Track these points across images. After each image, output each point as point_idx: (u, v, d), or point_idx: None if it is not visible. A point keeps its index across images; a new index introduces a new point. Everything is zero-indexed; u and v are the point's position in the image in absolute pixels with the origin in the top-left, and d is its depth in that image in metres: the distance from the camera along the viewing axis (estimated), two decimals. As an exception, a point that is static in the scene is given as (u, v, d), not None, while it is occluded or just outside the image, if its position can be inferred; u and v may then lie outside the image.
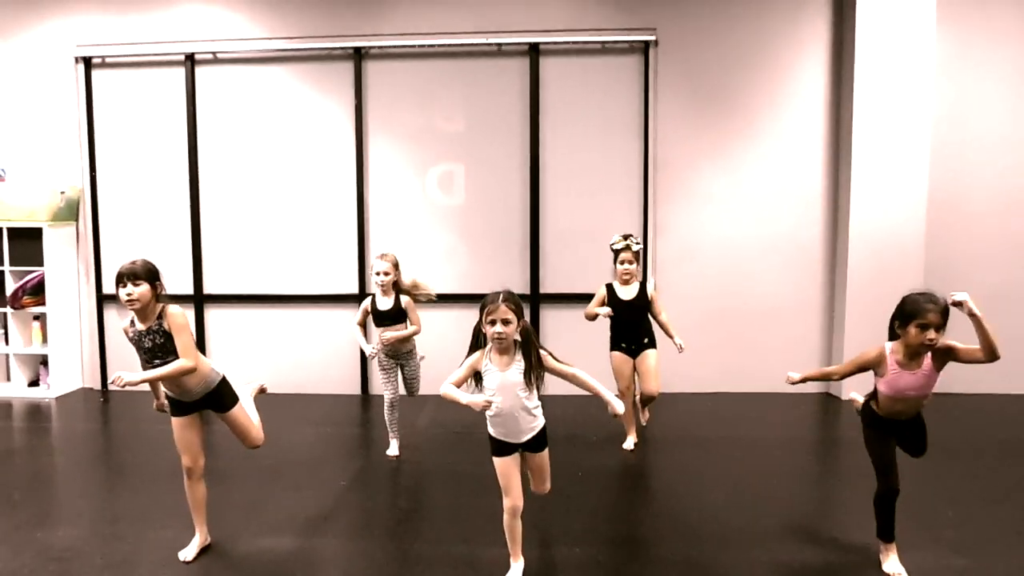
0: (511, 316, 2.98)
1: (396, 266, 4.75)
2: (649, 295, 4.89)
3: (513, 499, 3.13)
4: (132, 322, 3.24)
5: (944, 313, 2.98)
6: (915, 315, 3.00)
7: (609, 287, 4.93)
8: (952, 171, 6.18)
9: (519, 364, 3.04)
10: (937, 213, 6.13)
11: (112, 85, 6.60)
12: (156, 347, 3.19)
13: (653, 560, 3.39)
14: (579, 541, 3.60)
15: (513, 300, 3.01)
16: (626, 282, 4.88)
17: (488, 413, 3.07)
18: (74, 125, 6.61)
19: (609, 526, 3.82)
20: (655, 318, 4.91)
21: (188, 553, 3.41)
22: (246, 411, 3.56)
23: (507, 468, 3.13)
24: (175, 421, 3.37)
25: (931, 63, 5.89)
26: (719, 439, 5.15)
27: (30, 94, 6.63)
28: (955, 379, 6.09)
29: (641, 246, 4.90)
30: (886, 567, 3.20)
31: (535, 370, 3.03)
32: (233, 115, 6.54)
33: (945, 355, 3.04)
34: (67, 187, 6.52)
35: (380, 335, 4.79)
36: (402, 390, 4.99)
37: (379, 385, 5.29)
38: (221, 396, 3.41)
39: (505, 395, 3.03)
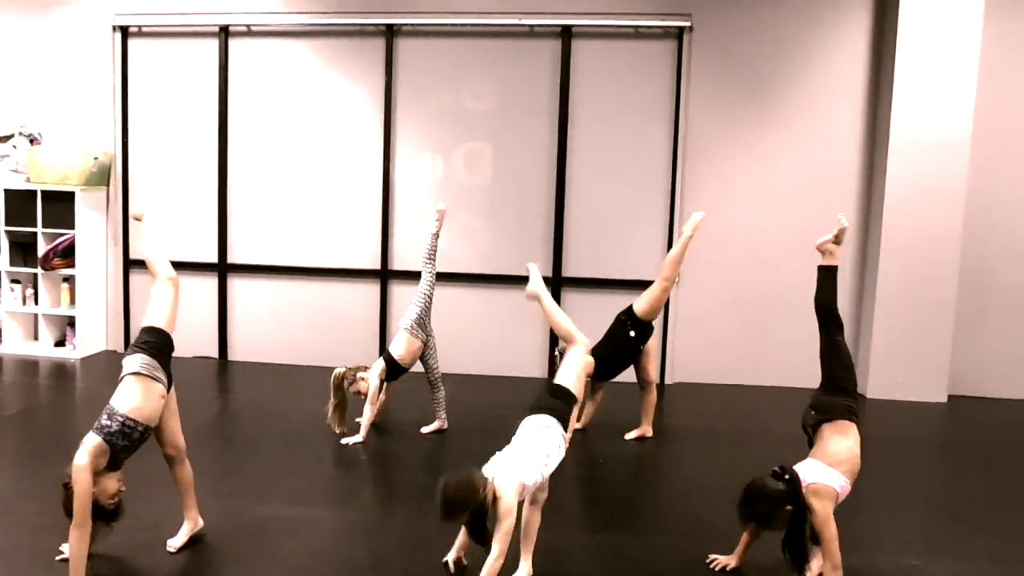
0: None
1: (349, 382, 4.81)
2: None
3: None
4: None
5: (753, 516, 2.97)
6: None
7: None
8: (991, 171, 6.06)
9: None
10: (974, 213, 6.03)
11: (148, 54, 6.64)
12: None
13: (666, 552, 3.41)
14: (592, 528, 3.63)
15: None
16: None
17: None
18: (109, 93, 6.67)
19: (623, 515, 3.84)
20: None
21: (176, 541, 3.23)
22: (158, 304, 3.25)
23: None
24: None
25: (974, 60, 5.76)
26: (739, 433, 5.13)
27: (67, 61, 6.70)
28: (984, 383, 6.07)
29: None
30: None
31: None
32: (264, 88, 6.57)
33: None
34: (99, 152, 6.59)
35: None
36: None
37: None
38: (164, 347, 3.15)
39: None
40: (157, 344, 3.14)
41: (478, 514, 2.80)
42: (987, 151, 6.03)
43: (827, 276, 3.34)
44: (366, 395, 4.72)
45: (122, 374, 3.07)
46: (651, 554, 3.36)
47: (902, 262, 5.90)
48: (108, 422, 2.94)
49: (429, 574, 3.11)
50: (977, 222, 6.07)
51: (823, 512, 2.87)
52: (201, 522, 3.34)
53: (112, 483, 2.92)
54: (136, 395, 2.99)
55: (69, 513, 2.84)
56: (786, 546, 2.97)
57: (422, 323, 4.84)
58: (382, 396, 4.86)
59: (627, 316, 4.83)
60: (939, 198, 5.84)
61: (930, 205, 5.85)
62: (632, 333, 4.79)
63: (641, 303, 4.79)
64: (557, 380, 3.30)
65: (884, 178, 5.92)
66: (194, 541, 3.28)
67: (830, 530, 2.87)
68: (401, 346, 4.80)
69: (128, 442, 2.95)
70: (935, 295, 5.86)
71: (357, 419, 4.78)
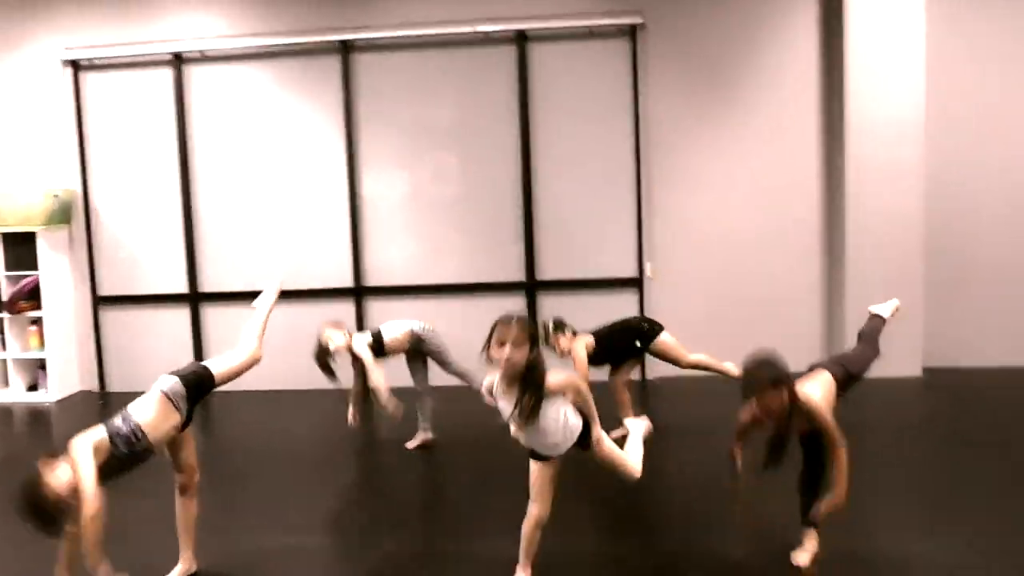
0: (522, 341, 2.66)
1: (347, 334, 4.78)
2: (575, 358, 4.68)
3: (541, 508, 2.91)
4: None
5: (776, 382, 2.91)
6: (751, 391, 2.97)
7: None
8: (949, 149, 6.16)
9: (509, 398, 2.75)
10: (936, 190, 6.11)
11: (101, 87, 6.56)
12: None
13: (663, 551, 3.44)
14: (593, 532, 3.64)
15: (527, 326, 2.69)
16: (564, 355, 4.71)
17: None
18: (65, 128, 6.57)
19: (614, 515, 3.86)
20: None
21: None
22: (223, 359, 3.28)
23: (540, 473, 2.91)
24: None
25: (922, 38, 5.87)
26: (724, 426, 5.12)
27: (20, 98, 6.59)
28: (961, 352, 6.17)
29: (552, 322, 4.76)
30: (795, 553, 3.15)
31: (524, 412, 2.70)
32: (223, 113, 6.51)
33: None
34: (60, 190, 6.49)
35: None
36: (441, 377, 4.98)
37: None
38: (197, 389, 3.08)
39: (514, 424, 2.80)
40: (196, 380, 3.10)
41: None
42: (943, 130, 6.12)
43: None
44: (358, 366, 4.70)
45: (152, 387, 3.02)
46: (653, 556, 3.38)
47: (869, 242, 5.99)
48: (120, 424, 2.88)
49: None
50: (941, 198, 6.15)
51: (819, 406, 2.97)
52: (195, 566, 3.28)
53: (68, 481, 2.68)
54: (154, 413, 2.93)
55: (43, 521, 2.67)
56: (802, 486, 3.12)
57: (427, 340, 4.83)
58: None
59: (642, 337, 4.86)
60: (900, 177, 5.94)
61: (892, 184, 5.94)
62: (638, 344, 4.86)
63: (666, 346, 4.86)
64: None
65: (844, 162, 6.01)
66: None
67: (831, 421, 2.95)
68: (397, 332, 4.79)
69: (128, 452, 2.85)
70: (904, 271, 5.95)
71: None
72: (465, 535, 3.64)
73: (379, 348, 4.75)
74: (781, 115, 6.28)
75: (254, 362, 3.32)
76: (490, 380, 2.84)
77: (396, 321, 4.93)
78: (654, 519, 3.81)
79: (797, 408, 2.92)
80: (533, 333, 2.72)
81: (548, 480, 2.90)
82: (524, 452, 2.94)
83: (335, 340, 4.71)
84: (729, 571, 3.21)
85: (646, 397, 5.90)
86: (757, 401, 2.93)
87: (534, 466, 2.92)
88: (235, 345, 3.39)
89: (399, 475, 4.57)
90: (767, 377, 2.91)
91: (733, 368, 4.70)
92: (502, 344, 2.65)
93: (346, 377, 4.81)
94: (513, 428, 2.82)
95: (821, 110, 6.26)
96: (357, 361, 4.72)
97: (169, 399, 2.98)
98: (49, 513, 2.66)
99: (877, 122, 5.92)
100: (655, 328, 4.91)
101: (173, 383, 3.03)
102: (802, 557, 3.13)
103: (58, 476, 2.68)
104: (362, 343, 4.70)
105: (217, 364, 3.24)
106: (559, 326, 4.74)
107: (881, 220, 5.95)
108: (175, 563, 3.26)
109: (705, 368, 4.90)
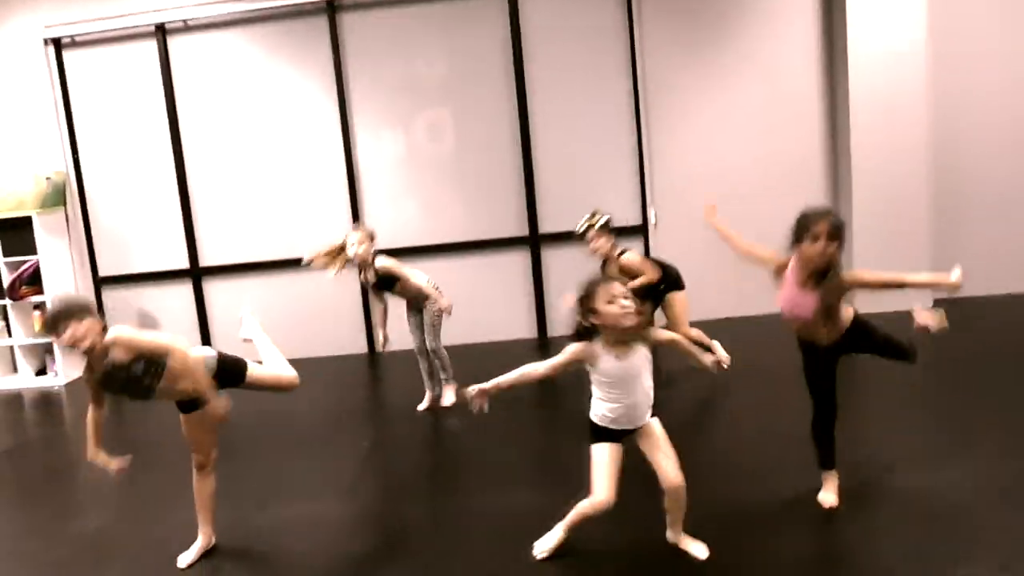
0: (630, 295, 2.58)
1: (371, 238, 4.64)
2: (624, 264, 4.69)
3: (607, 496, 2.68)
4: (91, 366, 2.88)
5: (838, 226, 2.81)
6: (807, 226, 2.85)
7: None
8: (953, 77, 6.03)
9: (643, 350, 2.68)
10: (942, 119, 6.00)
11: (85, 64, 6.43)
12: (132, 379, 2.88)
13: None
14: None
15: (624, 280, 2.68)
16: (602, 260, 4.75)
17: (604, 403, 2.70)
18: (51, 109, 6.45)
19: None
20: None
21: (187, 557, 3.14)
22: (262, 366, 3.32)
23: (611, 457, 2.71)
24: (183, 417, 3.12)
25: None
26: (735, 369, 5.10)
27: (2, 81, 6.46)
28: (969, 282, 6.07)
29: (605, 218, 4.72)
30: (821, 496, 3.10)
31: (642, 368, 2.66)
32: (211, 83, 6.38)
33: (840, 286, 2.87)
34: (51, 172, 6.40)
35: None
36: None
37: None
38: (227, 374, 3.09)
39: (626, 387, 2.67)
40: (232, 365, 3.12)
41: None
42: (945, 58, 5.99)
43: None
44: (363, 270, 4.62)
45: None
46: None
47: (874, 174, 5.88)
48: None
49: (446, 556, 3.08)
50: (946, 127, 6.05)
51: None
52: (214, 539, 3.26)
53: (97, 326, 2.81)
54: (181, 364, 2.88)
55: (57, 316, 2.80)
56: (816, 431, 3.08)
57: (431, 300, 4.69)
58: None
59: (668, 282, 4.84)
60: (903, 107, 5.81)
61: (895, 115, 5.82)
62: (661, 287, 4.82)
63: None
64: None
65: (847, 93, 5.87)
66: (205, 555, 3.23)
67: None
68: (418, 277, 4.65)
69: (137, 373, 2.85)
70: (910, 203, 5.85)
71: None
72: (482, 494, 3.60)
73: (389, 282, 4.65)
74: (781, 50, 6.11)
75: (291, 385, 3.33)
76: (578, 348, 2.68)
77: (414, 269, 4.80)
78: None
79: (836, 272, 2.82)
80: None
81: (615, 463, 2.71)
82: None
83: (355, 247, 4.55)
84: (752, 518, 3.17)
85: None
86: (812, 240, 2.79)
87: (601, 449, 2.72)
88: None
89: (412, 439, 4.53)
90: (832, 222, 2.79)
91: (710, 361, 4.71)
92: (611, 301, 2.56)
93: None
94: (609, 404, 2.69)
95: (821, 40, 6.09)
96: (375, 287, 4.67)
97: (202, 364, 2.99)
98: (64, 315, 2.78)
99: (878, 53, 5.77)
100: (680, 282, 4.90)
101: (211, 354, 3.08)
102: (829, 498, 3.08)
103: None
104: (391, 261, 4.61)
105: (256, 366, 3.26)
106: (605, 226, 4.70)
107: (885, 150, 5.84)
108: (194, 538, 3.24)
109: (687, 348, 4.85)
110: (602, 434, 2.73)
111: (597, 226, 4.67)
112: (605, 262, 4.77)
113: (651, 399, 2.74)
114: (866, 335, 3.05)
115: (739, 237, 3.47)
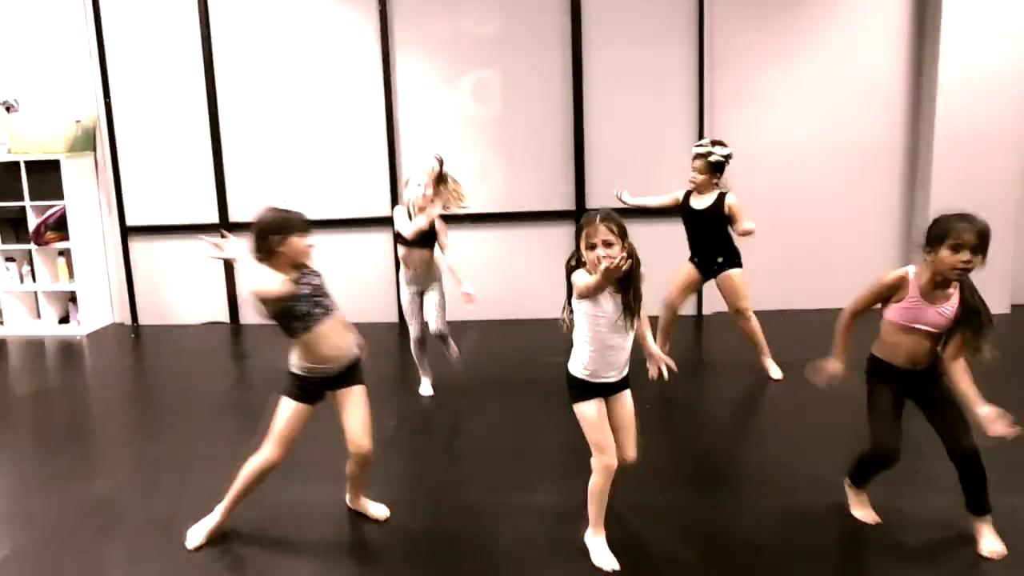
0: (612, 238, 2.53)
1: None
2: (727, 207, 4.46)
3: (609, 455, 2.65)
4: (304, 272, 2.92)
5: (983, 235, 2.55)
6: (946, 234, 2.58)
7: (686, 194, 4.63)
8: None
9: (615, 297, 2.60)
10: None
11: (121, 7, 6.15)
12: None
13: (734, 506, 3.13)
14: (652, 481, 3.33)
15: (614, 220, 2.57)
16: (698, 191, 4.55)
17: (584, 342, 2.65)
18: (84, 51, 6.20)
19: (682, 463, 3.55)
20: (735, 232, 4.49)
21: (196, 538, 2.93)
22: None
23: (599, 415, 2.66)
24: (295, 407, 2.84)
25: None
26: (782, 363, 4.76)
27: (38, 22, 6.21)
28: None
29: (723, 156, 4.48)
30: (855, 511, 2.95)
31: (635, 305, 2.60)
32: (251, 32, 6.08)
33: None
34: (82, 115, 6.17)
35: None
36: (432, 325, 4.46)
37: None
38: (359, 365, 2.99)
39: (602, 327, 2.62)
40: None
41: None
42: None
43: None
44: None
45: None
46: (717, 509, 3.07)
47: (957, 166, 5.48)
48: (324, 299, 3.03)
49: (463, 531, 2.97)
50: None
51: None
52: (228, 522, 3.00)
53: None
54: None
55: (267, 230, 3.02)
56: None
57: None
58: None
59: (728, 256, 4.65)
60: (997, 95, 5.38)
61: (989, 107, 5.40)
62: (720, 260, 4.63)
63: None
64: None
65: (934, 79, 5.43)
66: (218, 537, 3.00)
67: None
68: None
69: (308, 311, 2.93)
70: (995, 201, 5.38)
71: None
72: (494, 477, 3.44)
73: (429, 238, 4.32)
74: (863, 26, 5.69)
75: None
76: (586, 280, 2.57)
77: None
78: (732, 465, 3.49)
79: (970, 283, 2.62)
80: (622, 227, 2.58)
81: (605, 420, 2.68)
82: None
83: (418, 189, 4.27)
84: (790, 520, 2.95)
85: (699, 333, 5.58)
86: (951, 249, 2.56)
87: (586, 408, 2.67)
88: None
89: (420, 419, 4.29)
90: (980, 228, 2.55)
91: (768, 357, 4.69)
92: (593, 247, 2.55)
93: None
94: (589, 339, 2.65)
95: (911, 20, 5.64)
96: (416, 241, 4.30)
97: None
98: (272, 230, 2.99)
99: (976, 36, 5.32)
100: (739, 261, 4.63)
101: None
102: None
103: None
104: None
105: None
106: (717, 163, 4.51)
107: (973, 140, 5.43)
108: (204, 514, 2.99)
109: (749, 328, 4.68)
110: (584, 390, 2.68)
111: (709, 158, 4.45)
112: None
113: (628, 353, 2.69)
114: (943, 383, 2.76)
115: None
